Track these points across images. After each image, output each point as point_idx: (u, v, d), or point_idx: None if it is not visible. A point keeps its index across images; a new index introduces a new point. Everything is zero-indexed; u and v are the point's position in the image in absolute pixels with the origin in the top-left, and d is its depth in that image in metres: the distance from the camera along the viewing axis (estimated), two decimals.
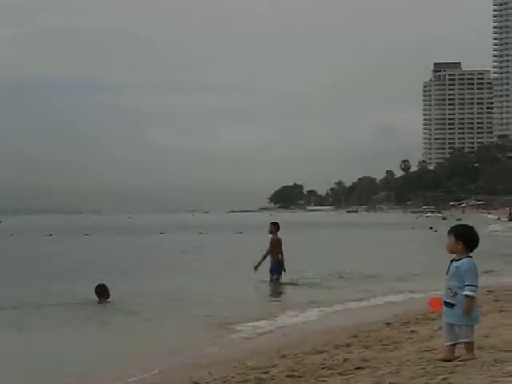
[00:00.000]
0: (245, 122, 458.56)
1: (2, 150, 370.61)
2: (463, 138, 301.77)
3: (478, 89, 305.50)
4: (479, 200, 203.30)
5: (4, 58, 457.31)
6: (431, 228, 67.88)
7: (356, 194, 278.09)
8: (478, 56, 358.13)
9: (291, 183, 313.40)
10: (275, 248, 21.21)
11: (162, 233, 70.48)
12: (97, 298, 17.55)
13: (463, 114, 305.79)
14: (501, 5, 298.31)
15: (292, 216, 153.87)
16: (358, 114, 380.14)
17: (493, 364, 7.38)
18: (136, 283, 22.31)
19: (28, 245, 49.83)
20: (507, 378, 6.74)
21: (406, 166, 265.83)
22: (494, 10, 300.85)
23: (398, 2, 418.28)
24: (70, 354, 12.18)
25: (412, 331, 11.31)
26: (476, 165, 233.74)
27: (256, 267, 21.22)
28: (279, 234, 21.73)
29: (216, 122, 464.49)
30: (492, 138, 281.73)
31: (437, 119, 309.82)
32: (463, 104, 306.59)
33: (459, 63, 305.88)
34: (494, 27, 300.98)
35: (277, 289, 20.58)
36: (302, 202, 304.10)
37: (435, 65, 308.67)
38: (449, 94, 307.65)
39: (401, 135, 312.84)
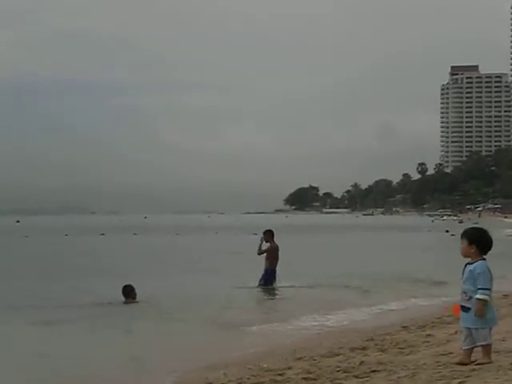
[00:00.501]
0: (247, 123, 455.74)
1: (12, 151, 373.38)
2: (480, 142, 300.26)
3: (495, 92, 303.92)
4: (496, 204, 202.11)
5: (4, 58, 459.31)
6: (447, 231, 67.53)
7: (372, 197, 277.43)
8: (496, 59, 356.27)
9: (307, 185, 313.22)
10: (272, 255, 21.24)
11: (177, 234, 71.02)
12: (123, 298, 17.76)
13: (481, 117, 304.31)
14: None
15: (308, 218, 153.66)
16: (371, 115, 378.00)
17: (509, 368, 7.37)
18: (159, 284, 22.42)
19: (47, 246, 50.17)
20: None
21: (422, 169, 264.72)
22: None
23: (415, 2, 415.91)
24: (87, 355, 12.20)
25: (428, 335, 11.32)
26: (493, 168, 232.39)
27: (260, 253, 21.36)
28: (277, 239, 21.76)
29: (223, 123, 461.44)
30: (510, 141, 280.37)
31: (454, 122, 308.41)
32: (481, 107, 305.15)
33: (477, 66, 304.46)
34: None
35: (291, 292, 20.56)
36: (318, 204, 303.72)
37: (453, 68, 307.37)
38: (466, 97, 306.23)
39: (417, 138, 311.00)
